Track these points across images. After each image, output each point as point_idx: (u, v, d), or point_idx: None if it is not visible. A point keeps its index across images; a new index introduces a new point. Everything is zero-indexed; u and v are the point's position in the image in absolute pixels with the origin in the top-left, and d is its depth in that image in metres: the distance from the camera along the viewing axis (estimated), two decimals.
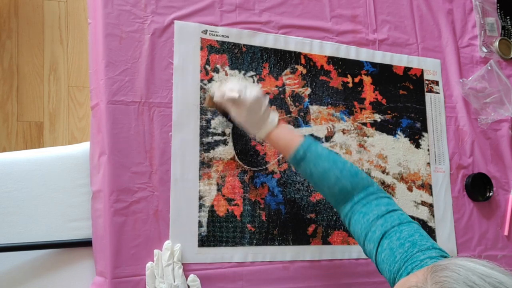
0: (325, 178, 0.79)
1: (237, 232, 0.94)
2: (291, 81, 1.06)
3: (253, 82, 1.02)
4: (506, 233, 1.18)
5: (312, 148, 0.80)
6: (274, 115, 0.86)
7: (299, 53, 1.08)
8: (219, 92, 0.86)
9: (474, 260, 0.47)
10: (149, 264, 0.86)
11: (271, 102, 1.03)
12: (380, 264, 0.71)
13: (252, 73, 1.03)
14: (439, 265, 0.48)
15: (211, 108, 0.95)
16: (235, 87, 0.84)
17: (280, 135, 0.84)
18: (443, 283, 0.45)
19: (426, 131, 1.17)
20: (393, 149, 1.12)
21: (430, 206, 1.12)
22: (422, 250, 0.66)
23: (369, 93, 1.13)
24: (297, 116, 1.05)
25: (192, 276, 0.88)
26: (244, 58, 1.03)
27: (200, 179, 0.94)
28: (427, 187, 1.13)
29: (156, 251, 0.87)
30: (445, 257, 0.64)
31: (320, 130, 1.06)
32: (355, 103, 1.11)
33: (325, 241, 1.01)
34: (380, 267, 0.71)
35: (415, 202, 1.11)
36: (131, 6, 0.95)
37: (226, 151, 0.97)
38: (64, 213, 0.95)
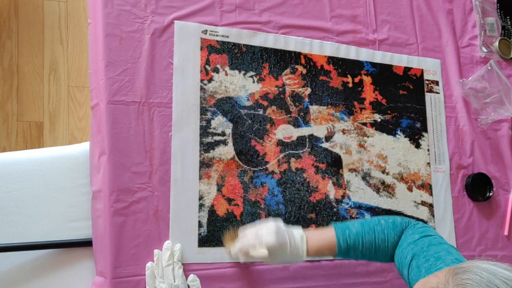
0: (378, 249, 0.82)
1: None
2: (291, 81, 1.06)
3: (253, 82, 1.02)
4: (506, 233, 1.18)
5: (347, 233, 0.81)
6: (297, 232, 0.83)
7: (299, 53, 1.08)
8: (242, 252, 0.83)
9: (496, 264, 0.47)
10: (149, 264, 0.86)
11: (271, 102, 1.03)
12: (411, 285, 0.72)
13: (252, 73, 1.03)
14: (461, 267, 0.48)
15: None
16: (251, 241, 0.81)
17: (316, 246, 0.82)
18: (466, 285, 0.45)
19: (426, 131, 1.17)
20: (393, 149, 1.12)
21: (430, 206, 1.12)
22: (445, 262, 0.67)
23: (369, 93, 1.13)
24: (297, 116, 1.05)
25: (192, 276, 0.88)
26: (244, 58, 1.03)
27: (200, 179, 0.94)
28: (427, 187, 1.13)
29: (156, 251, 0.87)
30: None
31: (320, 130, 1.06)
32: (355, 103, 1.11)
33: None
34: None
35: (415, 202, 1.11)
36: (131, 6, 0.95)
37: (226, 151, 0.97)
38: (64, 213, 0.95)
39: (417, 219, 1.10)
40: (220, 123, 0.98)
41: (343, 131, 1.08)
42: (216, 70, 1.00)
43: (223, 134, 0.98)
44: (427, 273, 0.68)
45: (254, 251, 0.81)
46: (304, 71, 1.08)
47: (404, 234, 0.82)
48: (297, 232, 0.83)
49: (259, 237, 0.81)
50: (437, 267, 0.67)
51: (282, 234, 0.81)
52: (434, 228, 1.11)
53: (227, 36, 1.02)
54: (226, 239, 0.91)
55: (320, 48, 1.10)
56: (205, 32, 1.00)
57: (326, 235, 0.83)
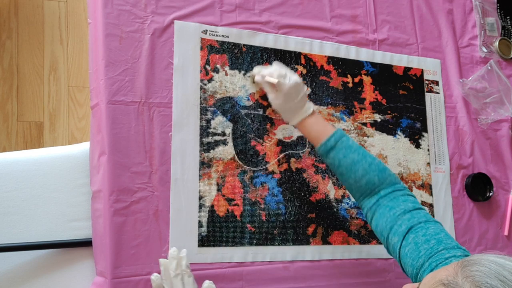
0: (353, 170, 0.81)
1: (237, 232, 0.94)
2: None
3: (253, 82, 1.02)
4: (506, 233, 1.18)
5: (344, 139, 0.82)
6: (310, 104, 0.89)
7: (299, 53, 1.08)
8: (259, 75, 0.91)
9: (503, 257, 0.48)
10: (153, 277, 0.80)
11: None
12: (403, 258, 0.71)
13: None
14: (470, 260, 0.49)
15: (255, 86, 1.00)
16: (275, 72, 0.88)
17: (313, 124, 0.86)
18: (475, 276, 0.46)
19: (426, 131, 1.17)
20: (393, 149, 1.12)
21: (430, 206, 1.12)
22: (447, 248, 0.67)
23: (369, 93, 1.13)
24: None
25: (207, 282, 0.81)
26: (244, 58, 1.03)
27: (200, 179, 0.94)
28: (427, 187, 1.13)
29: (161, 260, 0.81)
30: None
31: None
32: (355, 103, 1.11)
33: (325, 241, 1.01)
34: (402, 261, 0.72)
35: None
36: (131, 6, 0.95)
37: (226, 151, 0.97)
38: (64, 213, 0.95)
39: None
40: (220, 123, 0.98)
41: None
42: (216, 70, 1.00)
43: (223, 134, 0.98)
44: (426, 256, 0.67)
45: (269, 77, 0.88)
46: (304, 71, 1.08)
47: (393, 192, 0.79)
48: (310, 103, 0.90)
49: (284, 72, 0.89)
50: (439, 253, 0.66)
51: (302, 87, 0.88)
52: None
53: (227, 36, 1.02)
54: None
55: (320, 48, 1.10)
56: (205, 32, 1.00)
57: (327, 125, 0.86)
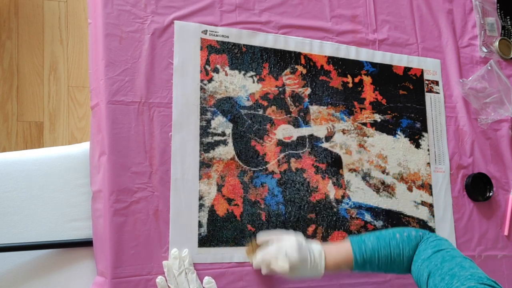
0: (393, 262, 0.84)
1: (237, 232, 0.94)
2: (291, 81, 1.06)
3: (253, 82, 1.02)
4: (506, 233, 1.18)
5: (363, 248, 0.83)
6: (316, 248, 0.85)
7: (299, 53, 1.08)
8: (264, 263, 0.85)
9: None
10: (158, 280, 0.85)
11: (271, 102, 1.03)
12: None
13: (252, 73, 1.03)
14: None
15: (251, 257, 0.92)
16: (277, 253, 0.83)
17: (334, 261, 0.84)
18: None
19: (426, 131, 1.17)
20: (393, 149, 1.12)
21: (430, 206, 1.12)
22: (460, 280, 0.69)
23: (369, 93, 1.13)
24: (297, 116, 1.05)
25: (207, 278, 0.88)
26: (244, 58, 1.03)
27: (200, 179, 0.94)
28: (427, 187, 1.13)
29: (164, 262, 0.87)
30: (485, 284, 0.67)
31: (320, 130, 1.06)
32: (355, 103, 1.11)
33: (325, 241, 1.01)
34: None
35: (415, 202, 1.11)
36: (131, 6, 0.95)
37: (226, 151, 0.97)
38: (64, 213, 0.95)
39: (417, 219, 1.10)
40: (220, 123, 0.98)
41: (343, 131, 1.08)
42: (216, 70, 1.00)
43: (223, 134, 0.98)
44: None
45: (275, 264, 0.82)
46: (304, 71, 1.08)
47: (418, 249, 0.83)
48: (316, 248, 0.85)
49: (282, 252, 0.83)
50: (454, 286, 0.68)
51: (304, 250, 0.83)
52: (434, 230, 1.11)
53: (227, 36, 1.02)
54: (249, 250, 0.92)
55: (320, 48, 1.10)
56: (205, 32, 1.00)
57: (343, 250, 0.85)
